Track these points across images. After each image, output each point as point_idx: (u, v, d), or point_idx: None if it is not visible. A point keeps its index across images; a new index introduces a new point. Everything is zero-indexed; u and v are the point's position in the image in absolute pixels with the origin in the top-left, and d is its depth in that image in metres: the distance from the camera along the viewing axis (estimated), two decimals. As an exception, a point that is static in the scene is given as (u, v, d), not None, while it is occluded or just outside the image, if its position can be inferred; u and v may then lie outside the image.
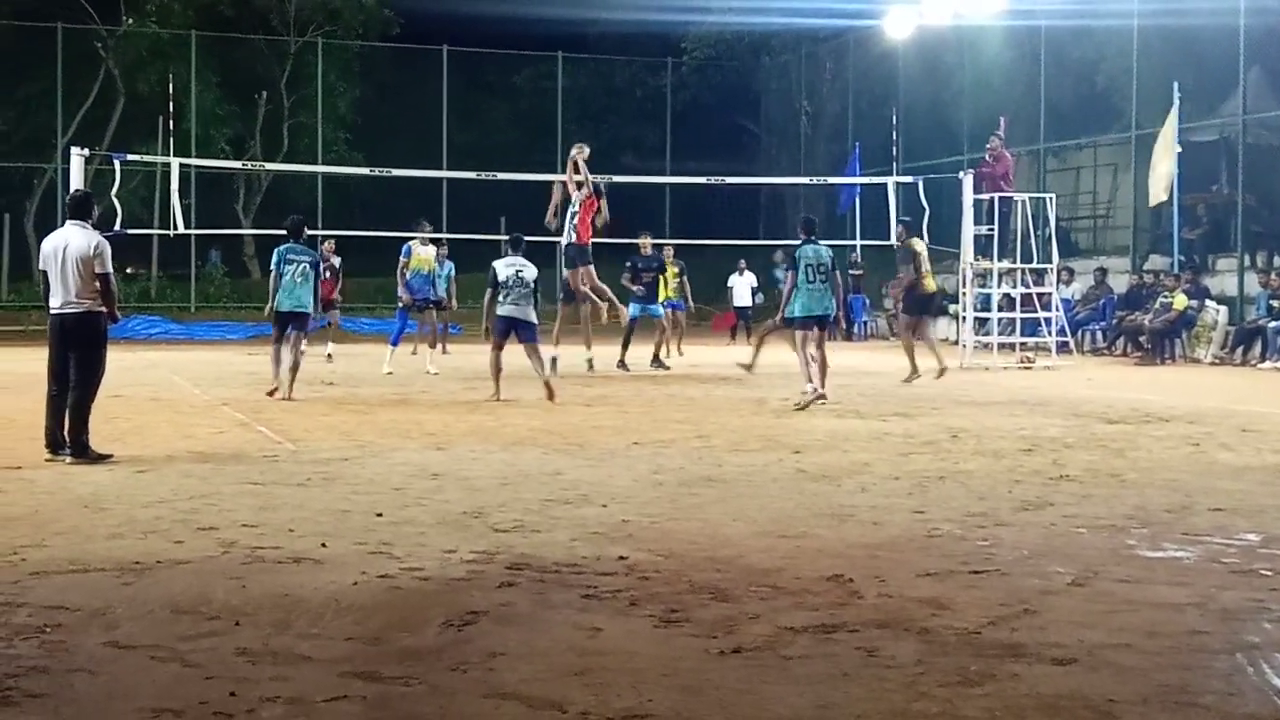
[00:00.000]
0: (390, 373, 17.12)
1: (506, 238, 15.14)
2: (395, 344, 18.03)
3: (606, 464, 9.34)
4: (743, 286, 26.72)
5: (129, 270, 33.51)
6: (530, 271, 13.51)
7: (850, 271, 28.47)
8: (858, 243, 26.70)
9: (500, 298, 13.38)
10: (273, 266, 14.21)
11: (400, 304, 18.18)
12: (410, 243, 18.06)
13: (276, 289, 14.04)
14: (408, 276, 17.83)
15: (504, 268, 13.42)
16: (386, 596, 5.54)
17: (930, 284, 17.17)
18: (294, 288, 13.99)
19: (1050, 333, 20.25)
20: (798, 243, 13.61)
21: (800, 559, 6.26)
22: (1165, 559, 6.39)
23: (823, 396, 13.14)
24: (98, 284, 9.34)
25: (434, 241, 19.09)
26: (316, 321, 15.83)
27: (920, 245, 17.16)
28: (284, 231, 14.69)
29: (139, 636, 4.92)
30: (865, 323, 29.00)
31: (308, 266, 14.11)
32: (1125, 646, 4.80)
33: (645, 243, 20.05)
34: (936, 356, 16.25)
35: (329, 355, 19.35)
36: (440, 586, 5.72)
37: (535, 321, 13.60)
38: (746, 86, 37.64)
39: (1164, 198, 22.16)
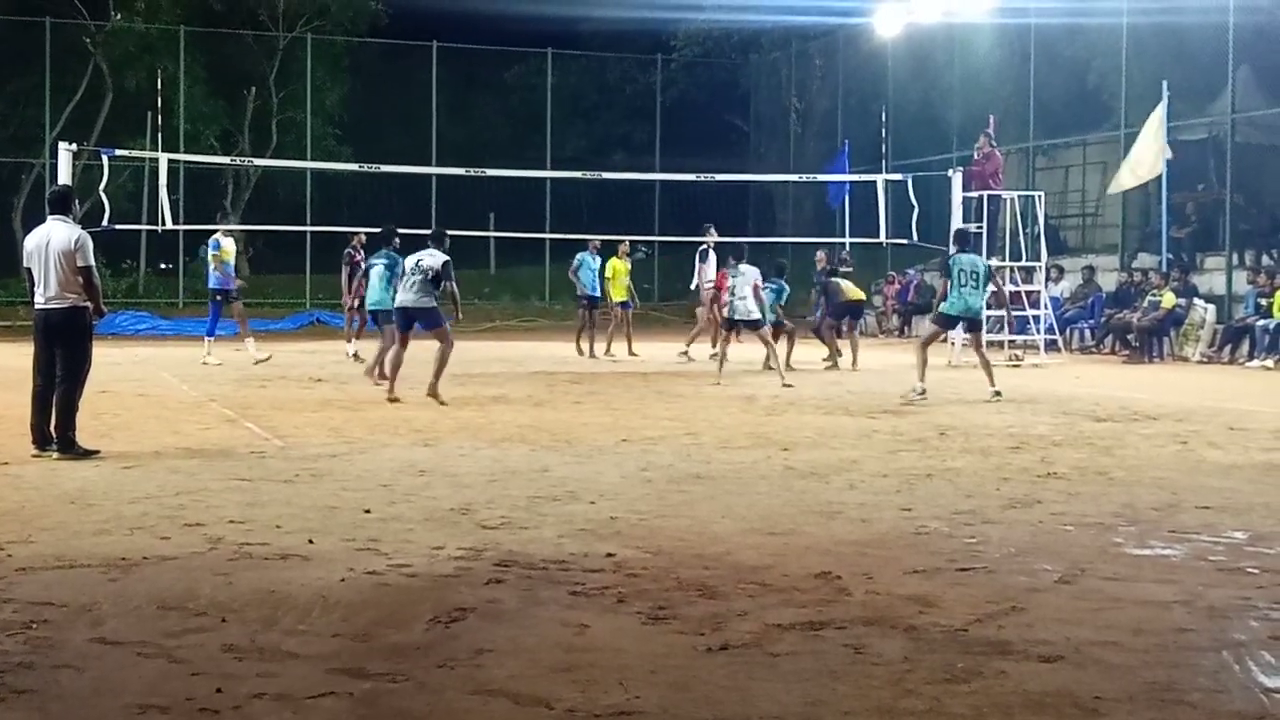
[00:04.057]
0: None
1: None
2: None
3: (594, 461, 9.34)
4: (731, 284, 26.67)
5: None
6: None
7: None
8: (847, 240, 26.68)
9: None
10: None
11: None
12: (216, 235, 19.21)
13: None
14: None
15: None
16: (374, 593, 5.53)
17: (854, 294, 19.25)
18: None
19: (1039, 331, 20.30)
20: (953, 252, 14.68)
21: (788, 556, 6.26)
22: (1152, 557, 6.40)
23: (998, 393, 13.80)
24: (81, 278, 9.32)
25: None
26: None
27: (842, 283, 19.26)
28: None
29: (125, 632, 4.91)
30: (855, 320, 28.91)
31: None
32: (1112, 644, 4.81)
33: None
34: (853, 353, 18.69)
35: (355, 354, 18.72)
36: (428, 583, 5.72)
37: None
38: (736, 84, 37.62)
39: (1122, 188, 22.63)
